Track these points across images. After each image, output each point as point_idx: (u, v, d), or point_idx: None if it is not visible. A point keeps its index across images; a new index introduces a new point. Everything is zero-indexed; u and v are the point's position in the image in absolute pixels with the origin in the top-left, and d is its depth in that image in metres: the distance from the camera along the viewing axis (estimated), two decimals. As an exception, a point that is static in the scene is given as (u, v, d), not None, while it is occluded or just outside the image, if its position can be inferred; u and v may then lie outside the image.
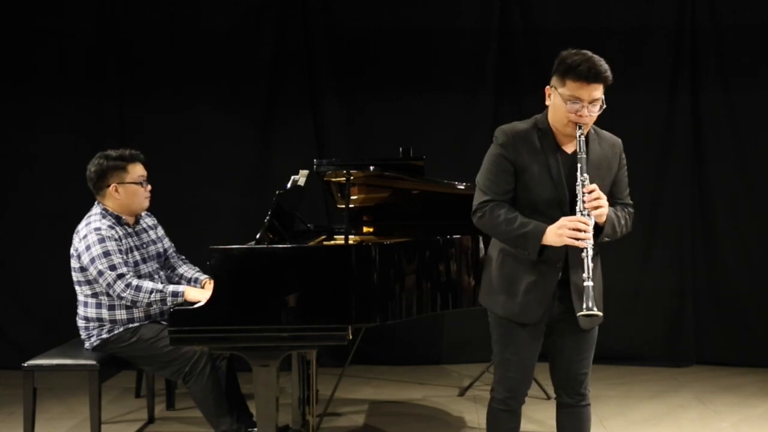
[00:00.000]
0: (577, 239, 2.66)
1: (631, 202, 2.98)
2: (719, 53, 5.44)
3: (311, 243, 4.02)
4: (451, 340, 5.67)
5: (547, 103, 2.86)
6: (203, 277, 4.05)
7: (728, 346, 5.53)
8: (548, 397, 4.70)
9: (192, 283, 4.04)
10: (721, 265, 5.52)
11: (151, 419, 4.43)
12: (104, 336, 3.77)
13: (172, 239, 4.18)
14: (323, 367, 5.12)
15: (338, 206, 4.34)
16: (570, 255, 2.80)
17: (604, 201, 2.73)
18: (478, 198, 2.89)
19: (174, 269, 4.11)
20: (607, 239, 2.84)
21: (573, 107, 2.73)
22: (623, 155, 2.95)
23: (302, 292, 3.21)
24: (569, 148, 2.84)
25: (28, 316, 5.59)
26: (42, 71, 5.56)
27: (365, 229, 4.42)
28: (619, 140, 2.97)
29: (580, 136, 2.74)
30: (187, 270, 4.10)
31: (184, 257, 4.18)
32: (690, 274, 5.53)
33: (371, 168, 3.79)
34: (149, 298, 3.61)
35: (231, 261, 3.24)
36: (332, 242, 4.34)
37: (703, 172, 5.52)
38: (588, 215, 2.69)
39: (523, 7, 5.52)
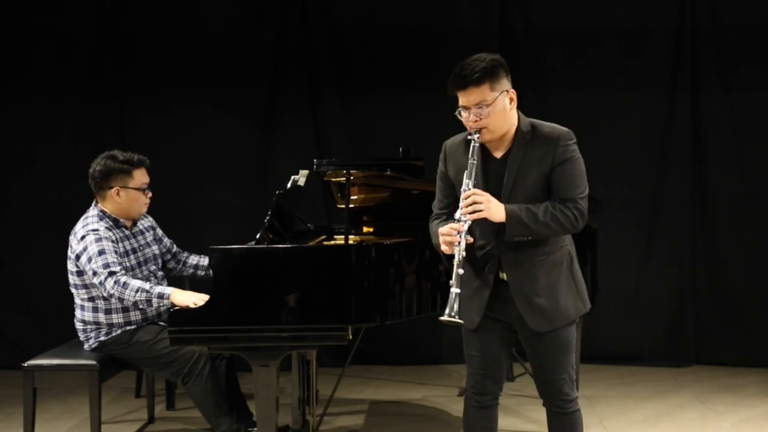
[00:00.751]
0: (448, 245, 2.69)
1: (574, 197, 2.76)
2: (719, 53, 5.44)
3: (311, 243, 4.02)
4: (451, 340, 5.66)
5: None
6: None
7: (728, 346, 5.52)
8: (548, 397, 4.70)
9: (201, 270, 4.06)
10: (721, 265, 5.52)
11: (151, 419, 4.43)
12: (102, 339, 3.77)
13: (172, 239, 4.17)
14: (323, 367, 5.12)
15: (338, 206, 4.34)
16: (503, 260, 2.79)
17: (482, 202, 2.68)
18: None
19: (184, 263, 4.10)
20: (523, 237, 2.74)
21: (464, 115, 2.77)
22: (563, 149, 2.76)
23: (302, 292, 3.21)
24: (498, 154, 2.83)
25: (28, 316, 5.60)
26: (42, 71, 5.56)
27: (365, 229, 4.42)
28: (563, 133, 2.80)
29: (474, 143, 2.74)
30: (198, 259, 4.09)
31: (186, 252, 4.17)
32: (690, 274, 5.52)
33: (371, 168, 3.79)
34: (135, 296, 3.54)
35: (231, 261, 3.24)
36: (332, 242, 4.34)
37: (703, 172, 5.52)
38: (464, 221, 2.69)
39: (523, 7, 5.52)
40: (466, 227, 2.69)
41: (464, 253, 2.67)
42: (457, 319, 2.63)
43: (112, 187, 3.79)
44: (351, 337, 3.25)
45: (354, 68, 5.59)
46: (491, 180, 2.79)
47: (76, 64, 5.56)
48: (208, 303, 3.21)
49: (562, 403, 2.91)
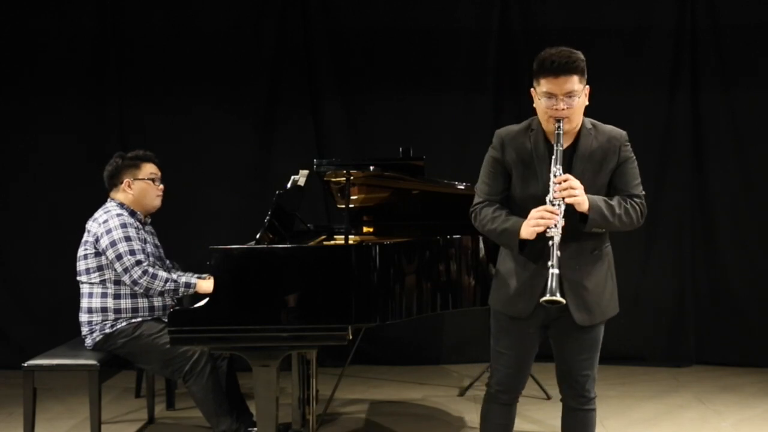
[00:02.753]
0: (544, 227, 2.70)
1: (639, 193, 2.92)
2: (719, 53, 5.44)
3: (311, 243, 4.02)
4: (451, 340, 5.67)
5: (534, 105, 2.90)
6: (193, 281, 3.93)
7: (728, 346, 5.53)
8: (548, 397, 4.70)
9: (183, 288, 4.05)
10: (721, 265, 5.52)
11: (151, 419, 4.43)
12: (107, 330, 3.78)
13: (171, 240, 4.21)
14: (323, 367, 5.12)
15: (338, 206, 4.34)
16: (562, 252, 2.81)
17: (577, 188, 2.73)
18: (474, 201, 3.02)
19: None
20: (600, 229, 2.84)
21: (549, 102, 2.79)
22: (625, 148, 2.92)
23: (302, 292, 3.21)
24: (564, 145, 2.85)
25: (28, 316, 5.60)
26: (42, 71, 5.56)
27: (365, 229, 4.42)
28: (623, 133, 2.95)
29: (558, 130, 2.78)
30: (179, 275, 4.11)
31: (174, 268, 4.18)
32: (690, 274, 5.53)
33: (371, 168, 3.79)
34: (164, 286, 3.69)
35: (231, 261, 3.24)
36: (332, 242, 4.34)
37: (703, 172, 5.52)
38: (558, 205, 2.72)
39: (523, 6, 5.52)
40: (562, 210, 2.72)
41: (560, 235, 2.69)
42: (556, 297, 2.64)
43: (122, 181, 3.93)
44: (351, 337, 3.25)
45: (354, 68, 5.59)
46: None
47: (76, 64, 5.56)
48: (208, 303, 3.21)
49: (583, 399, 3.00)
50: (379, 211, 4.39)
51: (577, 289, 2.86)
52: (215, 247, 3.24)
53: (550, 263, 2.67)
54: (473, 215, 2.99)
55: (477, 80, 5.53)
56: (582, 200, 2.75)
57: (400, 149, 4.06)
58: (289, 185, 4.08)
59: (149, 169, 4.00)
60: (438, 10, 5.55)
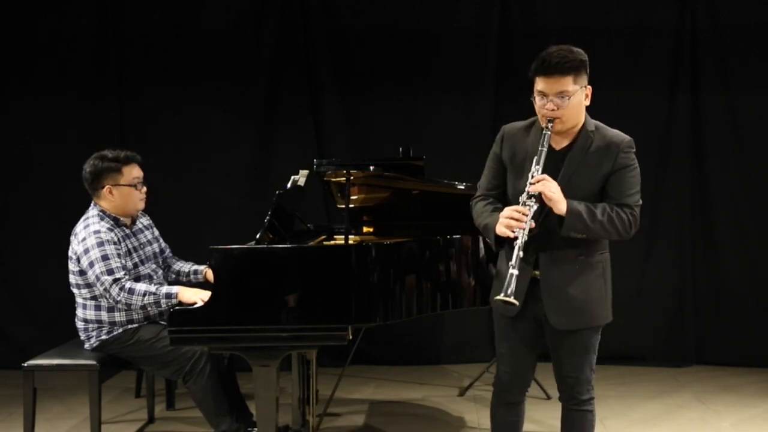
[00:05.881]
0: (510, 228, 2.71)
1: (632, 203, 2.83)
2: (719, 53, 5.43)
3: (311, 243, 4.02)
4: (451, 340, 5.67)
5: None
6: (202, 267, 4.04)
7: (728, 346, 5.52)
8: (548, 397, 4.70)
9: (193, 275, 4.05)
10: (721, 265, 5.52)
11: (151, 419, 4.43)
12: (103, 337, 3.77)
13: (172, 239, 4.18)
14: (323, 367, 5.12)
15: (338, 206, 4.34)
16: (540, 253, 2.83)
17: (551, 187, 2.72)
18: (474, 195, 3.06)
19: (170, 267, 4.11)
20: (578, 234, 2.78)
21: (540, 102, 2.79)
22: (624, 155, 2.84)
23: (302, 292, 3.21)
24: (559, 145, 2.87)
25: (28, 316, 5.60)
26: (42, 71, 5.56)
27: (365, 229, 4.42)
28: (625, 140, 2.88)
29: (546, 130, 2.77)
30: (182, 265, 4.10)
31: (177, 257, 4.18)
32: (690, 274, 5.52)
33: (371, 168, 3.79)
34: (143, 300, 3.56)
35: (231, 261, 3.24)
36: (332, 242, 4.34)
37: (703, 172, 5.52)
38: (530, 206, 2.71)
39: (523, 6, 5.52)
40: (532, 212, 2.71)
41: (527, 237, 2.69)
42: (512, 300, 2.65)
43: (104, 187, 3.78)
44: (351, 337, 3.25)
45: (354, 68, 5.59)
46: (547, 171, 2.80)
47: (76, 64, 5.56)
48: (208, 303, 3.22)
49: (574, 401, 3.01)
50: (379, 211, 4.39)
51: (556, 293, 2.85)
52: (215, 247, 3.24)
53: (510, 263, 2.68)
54: (471, 209, 3.03)
55: (477, 80, 5.53)
56: (557, 200, 2.72)
57: (400, 149, 4.06)
58: (289, 185, 4.08)
59: (131, 173, 3.82)
60: (438, 10, 5.55)
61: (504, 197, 2.97)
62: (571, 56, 2.76)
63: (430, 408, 4.71)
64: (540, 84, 2.77)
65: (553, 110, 2.76)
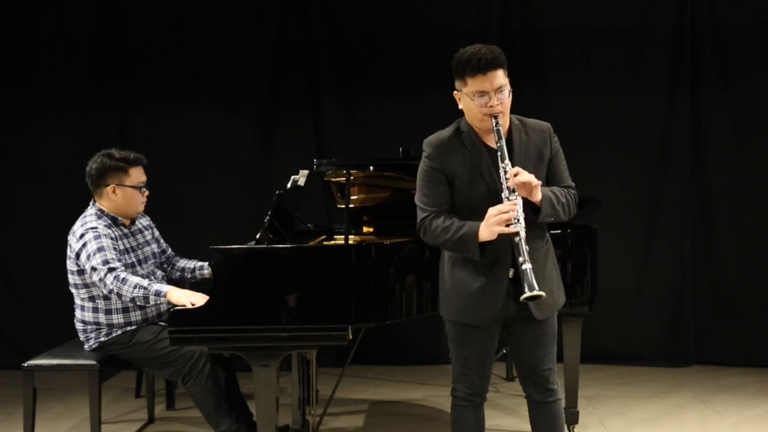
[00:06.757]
0: (508, 225, 2.67)
1: (572, 184, 2.94)
2: (719, 53, 5.43)
3: (311, 243, 4.02)
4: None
5: (459, 108, 2.90)
6: (207, 264, 4.01)
7: (728, 346, 5.52)
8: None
9: (197, 271, 4.04)
10: (721, 265, 5.52)
11: (151, 419, 4.43)
12: (102, 339, 3.77)
13: (171, 239, 4.17)
14: (323, 367, 5.12)
15: (338, 206, 4.34)
16: (515, 250, 2.78)
17: (528, 177, 2.71)
18: (419, 216, 2.91)
19: (174, 265, 4.10)
20: (550, 219, 2.81)
21: (482, 101, 2.78)
22: (554, 139, 2.92)
23: (302, 292, 3.21)
24: (493, 143, 2.83)
25: (28, 316, 5.60)
26: (42, 71, 5.56)
27: (365, 229, 4.42)
28: (548, 125, 2.95)
29: (497, 127, 2.77)
30: (187, 263, 4.09)
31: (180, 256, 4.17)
32: (690, 274, 5.52)
33: (371, 168, 3.79)
34: (132, 292, 3.53)
35: (231, 261, 3.24)
36: (332, 242, 4.34)
37: (703, 172, 5.52)
38: (515, 198, 2.69)
39: (522, 6, 5.52)
40: (520, 202, 2.69)
41: (525, 230, 2.67)
42: (536, 292, 2.62)
43: (108, 185, 3.78)
44: (351, 337, 3.25)
45: (354, 68, 5.59)
46: (493, 169, 2.81)
47: (76, 64, 5.56)
48: (208, 303, 3.21)
49: (548, 393, 2.99)
50: (379, 211, 4.39)
51: (539, 284, 2.77)
52: (215, 247, 3.24)
53: (521, 259, 2.64)
54: (422, 231, 2.87)
55: (477, 80, 5.52)
56: (535, 187, 2.73)
57: (400, 149, 4.06)
58: (289, 185, 4.08)
59: (137, 176, 3.83)
60: (438, 10, 5.55)
61: (453, 211, 2.88)
62: (497, 51, 2.78)
63: (430, 408, 4.71)
64: (477, 84, 2.76)
65: (497, 105, 2.77)
